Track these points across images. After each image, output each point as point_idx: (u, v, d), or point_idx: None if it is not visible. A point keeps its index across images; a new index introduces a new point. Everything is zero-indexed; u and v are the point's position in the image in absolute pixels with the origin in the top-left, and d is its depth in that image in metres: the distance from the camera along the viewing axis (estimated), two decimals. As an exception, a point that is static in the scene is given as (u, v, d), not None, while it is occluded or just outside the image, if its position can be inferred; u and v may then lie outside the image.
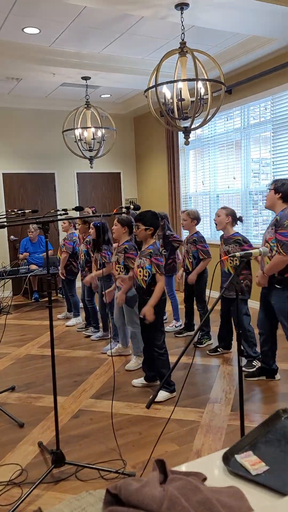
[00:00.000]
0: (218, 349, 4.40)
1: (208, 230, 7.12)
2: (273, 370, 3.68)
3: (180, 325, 5.30)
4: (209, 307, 4.87)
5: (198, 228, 4.78)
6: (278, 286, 3.30)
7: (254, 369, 3.82)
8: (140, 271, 3.44)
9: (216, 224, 4.04)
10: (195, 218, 4.66)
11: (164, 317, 5.47)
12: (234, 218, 3.98)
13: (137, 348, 4.15)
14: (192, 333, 5.00)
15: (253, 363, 3.87)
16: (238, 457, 1.23)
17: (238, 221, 4.01)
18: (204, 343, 4.68)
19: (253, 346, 3.89)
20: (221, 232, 4.09)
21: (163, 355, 3.46)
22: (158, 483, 1.03)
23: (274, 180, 3.37)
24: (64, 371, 4.16)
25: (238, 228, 4.12)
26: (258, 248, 2.29)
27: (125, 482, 1.02)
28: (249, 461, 1.20)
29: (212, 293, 5.17)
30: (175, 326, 5.29)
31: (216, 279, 4.86)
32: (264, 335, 3.59)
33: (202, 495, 0.97)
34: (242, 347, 3.93)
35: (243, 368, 3.85)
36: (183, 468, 1.20)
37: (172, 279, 5.20)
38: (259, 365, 3.78)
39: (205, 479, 1.12)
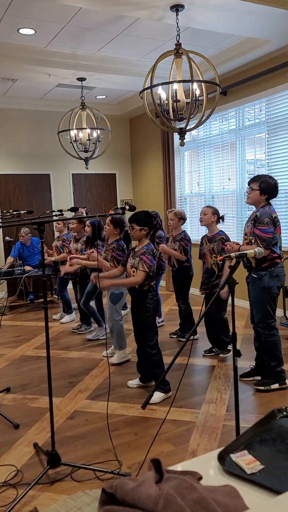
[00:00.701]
0: (213, 349, 4.42)
1: (203, 231, 7.12)
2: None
3: (162, 321, 5.52)
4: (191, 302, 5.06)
5: (195, 228, 4.84)
6: (254, 276, 3.44)
7: (230, 353, 4.25)
8: (133, 271, 3.44)
9: (201, 221, 4.27)
10: (182, 218, 4.85)
11: (161, 320, 5.50)
12: (218, 217, 4.22)
13: (117, 342, 4.27)
14: (196, 336, 5.04)
15: (228, 348, 4.34)
16: (233, 456, 1.23)
17: (220, 220, 4.24)
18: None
19: (227, 333, 4.30)
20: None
21: (156, 355, 3.46)
22: (154, 482, 1.04)
23: (255, 177, 3.42)
24: (59, 372, 4.15)
25: (221, 226, 4.33)
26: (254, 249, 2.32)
27: (121, 481, 1.02)
28: (244, 460, 1.21)
29: (192, 290, 5.31)
30: (158, 323, 5.34)
31: (196, 276, 4.97)
32: (257, 330, 3.61)
33: (198, 494, 0.98)
34: (222, 337, 4.30)
35: (221, 355, 4.34)
36: (178, 467, 1.20)
37: (159, 277, 5.28)
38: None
39: (200, 478, 1.13)
